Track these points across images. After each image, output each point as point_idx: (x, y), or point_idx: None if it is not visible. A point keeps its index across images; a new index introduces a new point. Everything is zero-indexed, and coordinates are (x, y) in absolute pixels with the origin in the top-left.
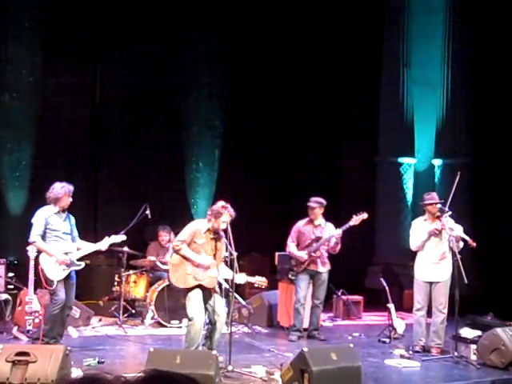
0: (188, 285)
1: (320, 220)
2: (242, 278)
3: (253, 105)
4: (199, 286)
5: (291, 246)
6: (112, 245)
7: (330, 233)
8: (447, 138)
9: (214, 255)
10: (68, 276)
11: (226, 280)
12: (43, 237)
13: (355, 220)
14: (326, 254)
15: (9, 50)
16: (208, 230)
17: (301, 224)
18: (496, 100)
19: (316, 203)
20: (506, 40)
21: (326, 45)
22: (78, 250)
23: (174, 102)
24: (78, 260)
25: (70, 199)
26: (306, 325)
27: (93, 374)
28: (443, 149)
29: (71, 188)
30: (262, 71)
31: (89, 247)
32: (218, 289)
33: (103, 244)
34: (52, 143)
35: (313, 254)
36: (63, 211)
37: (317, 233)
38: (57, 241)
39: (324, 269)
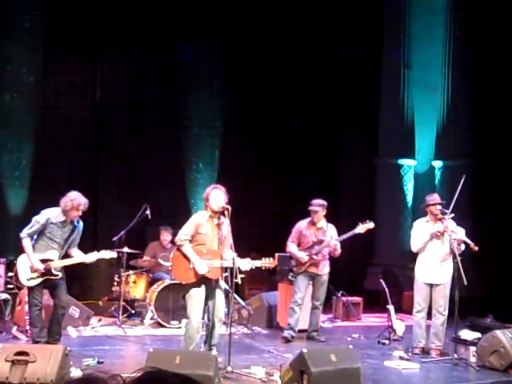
0: (191, 279)
1: (322, 222)
2: (246, 264)
3: (253, 105)
4: (202, 281)
5: (291, 246)
6: (112, 244)
7: (333, 236)
8: (448, 140)
9: (219, 243)
10: (52, 283)
11: (226, 280)
12: (37, 236)
13: (361, 228)
14: (327, 256)
15: (9, 49)
16: (210, 217)
17: (302, 225)
18: (497, 101)
19: (319, 206)
20: (506, 42)
21: (327, 46)
22: (63, 258)
23: (174, 102)
24: (59, 269)
25: (80, 213)
26: (304, 326)
27: (90, 373)
28: (444, 150)
29: (82, 201)
30: (263, 72)
31: (74, 258)
32: (222, 282)
33: (90, 257)
34: (52, 143)
35: (314, 257)
36: (70, 222)
37: (319, 235)
38: (45, 246)
39: (324, 271)
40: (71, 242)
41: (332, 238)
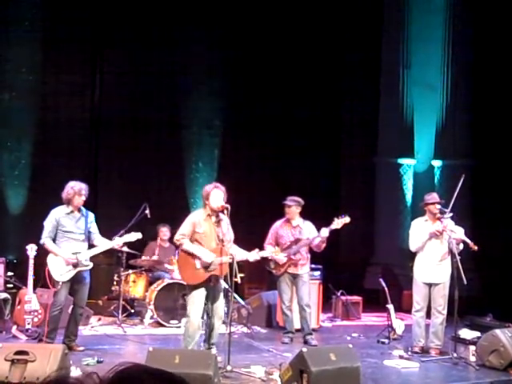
0: (200, 279)
1: (298, 220)
2: (254, 256)
3: (252, 105)
4: (207, 281)
5: (269, 249)
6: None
7: (311, 232)
8: (447, 139)
9: (221, 241)
10: (80, 277)
11: (225, 279)
12: (55, 237)
13: (337, 223)
14: (305, 255)
15: (9, 49)
16: (208, 215)
17: (278, 225)
18: (496, 101)
19: (293, 201)
20: (506, 41)
21: (326, 46)
22: (89, 248)
23: (174, 101)
24: (88, 259)
25: (83, 198)
26: (298, 325)
27: (63, 375)
28: (443, 150)
29: (82, 186)
30: (262, 71)
31: (101, 246)
32: (222, 281)
33: (115, 242)
34: (52, 142)
35: (293, 257)
36: (78, 210)
37: (296, 234)
38: (68, 241)
39: (304, 270)
40: (89, 232)
41: (311, 234)
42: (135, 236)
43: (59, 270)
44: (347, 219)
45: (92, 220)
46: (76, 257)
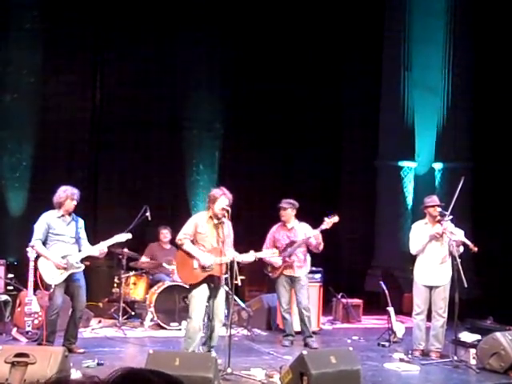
0: (197, 279)
1: (293, 222)
2: (251, 257)
3: (253, 106)
4: (206, 280)
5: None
6: (112, 245)
7: (306, 234)
8: (448, 142)
9: (221, 242)
10: (73, 279)
11: (226, 282)
12: (46, 240)
13: (327, 223)
14: (302, 257)
15: (9, 50)
16: (210, 217)
17: (274, 229)
18: (497, 104)
19: (288, 204)
20: (506, 44)
21: (327, 48)
22: (79, 251)
23: (174, 103)
24: (80, 261)
25: (74, 202)
26: (298, 328)
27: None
28: (444, 152)
29: (74, 191)
30: (262, 73)
31: (89, 249)
32: (224, 284)
33: (104, 244)
34: (52, 144)
35: (287, 259)
36: (69, 214)
37: (291, 236)
38: (58, 244)
39: (302, 272)
40: (79, 237)
41: (306, 235)
42: (125, 236)
43: (51, 274)
44: (336, 218)
45: (82, 226)
46: (66, 260)
